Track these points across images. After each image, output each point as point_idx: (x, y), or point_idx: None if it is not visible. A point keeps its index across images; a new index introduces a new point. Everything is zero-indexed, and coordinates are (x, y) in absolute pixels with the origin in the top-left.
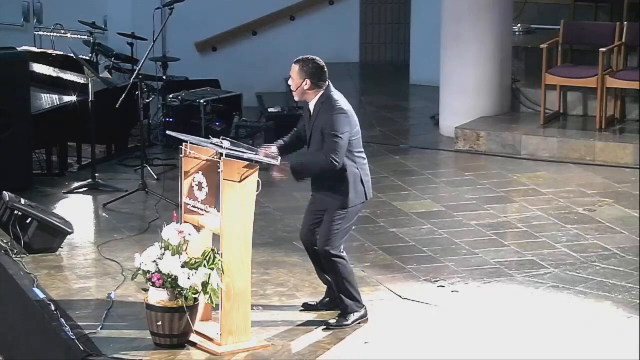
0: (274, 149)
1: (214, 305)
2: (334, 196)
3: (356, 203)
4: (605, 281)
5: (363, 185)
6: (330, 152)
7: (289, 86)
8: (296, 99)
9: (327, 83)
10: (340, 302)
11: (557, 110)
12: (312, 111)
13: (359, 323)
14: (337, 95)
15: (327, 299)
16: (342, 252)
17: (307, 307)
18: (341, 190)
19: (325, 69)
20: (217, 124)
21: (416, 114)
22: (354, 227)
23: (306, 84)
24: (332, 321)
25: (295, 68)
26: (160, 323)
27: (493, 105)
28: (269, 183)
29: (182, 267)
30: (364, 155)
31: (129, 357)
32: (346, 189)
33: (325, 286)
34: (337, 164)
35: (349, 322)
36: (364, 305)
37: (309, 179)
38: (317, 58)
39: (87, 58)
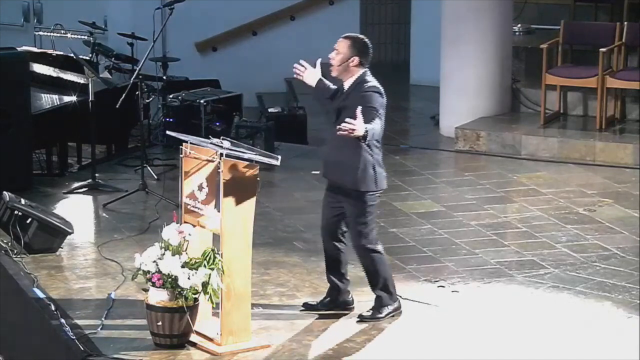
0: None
1: (214, 305)
2: (341, 171)
3: (367, 189)
4: (605, 281)
5: (375, 173)
6: (377, 125)
7: (329, 61)
8: (334, 74)
9: (367, 67)
10: (376, 296)
11: (557, 110)
12: (345, 89)
13: (392, 316)
14: (372, 79)
15: (328, 299)
16: (377, 245)
17: (307, 307)
18: (349, 166)
19: (371, 51)
20: (217, 124)
21: (416, 114)
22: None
23: (353, 61)
24: (366, 314)
25: (346, 42)
26: (160, 323)
27: (493, 105)
28: (269, 183)
29: (182, 267)
30: (379, 146)
31: (129, 357)
32: (354, 168)
33: (328, 285)
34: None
35: (382, 314)
36: (397, 299)
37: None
38: (365, 37)
39: (87, 58)
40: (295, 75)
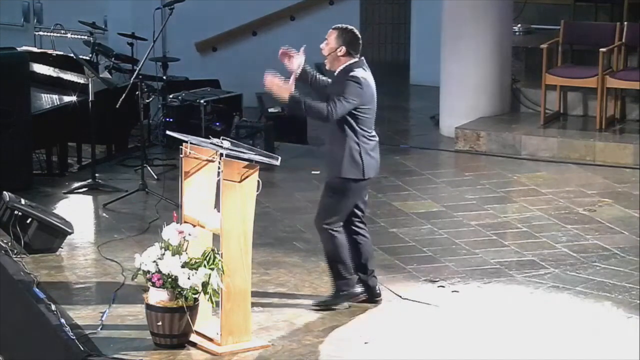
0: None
1: (214, 305)
2: (332, 162)
3: (350, 175)
4: (605, 281)
5: (362, 161)
6: (332, 103)
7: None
8: (327, 65)
9: (360, 58)
10: (331, 281)
11: (557, 110)
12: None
13: (351, 300)
14: (360, 70)
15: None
16: (336, 228)
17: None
18: (338, 156)
19: (361, 41)
20: (217, 124)
21: (416, 114)
22: (350, 207)
23: (340, 51)
24: (322, 299)
25: (335, 33)
26: (160, 323)
27: (493, 105)
28: (269, 183)
29: (182, 267)
30: (372, 135)
31: (129, 357)
32: (341, 157)
33: (328, 285)
34: (331, 115)
35: (338, 300)
36: (354, 285)
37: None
38: (355, 28)
39: (87, 58)
40: (283, 56)
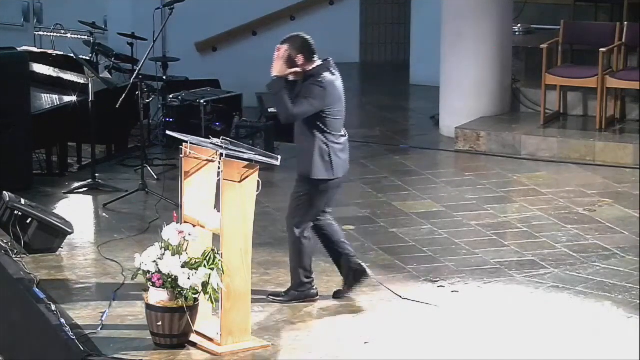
0: None
1: (214, 305)
2: (302, 164)
3: (320, 176)
4: (605, 281)
5: (331, 162)
6: (295, 105)
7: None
8: (291, 78)
9: (325, 61)
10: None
11: (557, 110)
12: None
13: (304, 301)
14: (327, 74)
15: (343, 279)
16: (306, 234)
17: (336, 295)
18: (307, 158)
19: (312, 41)
20: (217, 124)
21: (416, 114)
22: (320, 208)
23: (299, 60)
24: (277, 293)
25: (284, 47)
26: (160, 323)
27: (493, 105)
28: (269, 183)
29: (182, 267)
30: (341, 135)
31: (129, 357)
32: (310, 159)
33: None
34: (291, 111)
35: (287, 298)
36: (309, 289)
37: None
38: (301, 33)
39: (87, 58)
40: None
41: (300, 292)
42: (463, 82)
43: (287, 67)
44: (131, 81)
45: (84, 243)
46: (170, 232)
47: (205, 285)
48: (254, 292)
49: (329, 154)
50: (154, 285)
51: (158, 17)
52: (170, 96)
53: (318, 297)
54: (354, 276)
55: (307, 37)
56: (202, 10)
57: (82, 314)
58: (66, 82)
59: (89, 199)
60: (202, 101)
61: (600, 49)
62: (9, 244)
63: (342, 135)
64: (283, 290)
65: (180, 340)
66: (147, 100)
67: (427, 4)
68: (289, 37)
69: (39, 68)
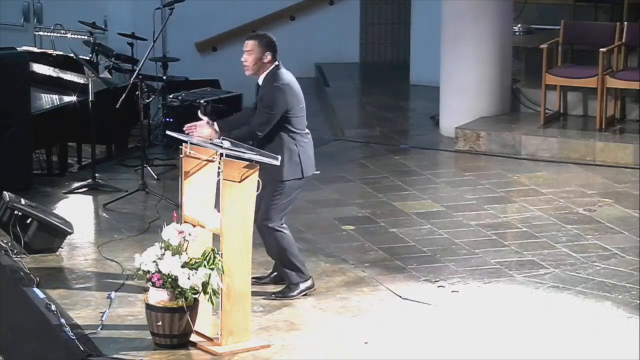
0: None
1: (214, 305)
2: (269, 169)
3: (291, 177)
4: (605, 281)
5: (300, 162)
6: (257, 122)
7: (243, 64)
8: (249, 73)
9: (278, 61)
10: (285, 275)
11: (557, 110)
12: (260, 84)
13: (305, 294)
14: (284, 72)
15: (275, 273)
16: (282, 226)
17: (255, 281)
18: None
19: (277, 45)
20: None
21: (416, 114)
22: (292, 204)
23: (266, 57)
24: (278, 291)
25: (255, 42)
26: (160, 323)
27: (493, 105)
28: None
29: (182, 267)
30: (305, 133)
31: (129, 357)
32: (281, 162)
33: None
34: (262, 132)
35: (294, 293)
36: (309, 277)
37: None
38: (268, 33)
39: (87, 58)
40: (190, 134)
41: (304, 280)
42: (463, 82)
43: (253, 61)
44: (131, 81)
45: (84, 243)
46: (170, 232)
47: (205, 285)
48: (254, 292)
49: (299, 154)
50: (154, 285)
51: (158, 17)
52: (170, 96)
53: (314, 288)
54: (280, 278)
55: (273, 37)
56: (202, 10)
57: (82, 314)
58: (66, 82)
59: (89, 199)
60: (202, 101)
61: (600, 49)
62: (9, 244)
63: (306, 132)
64: (282, 288)
65: (180, 340)
66: (147, 100)
67: (427, 4)
68: (256, 34)
69: (39, 68)
